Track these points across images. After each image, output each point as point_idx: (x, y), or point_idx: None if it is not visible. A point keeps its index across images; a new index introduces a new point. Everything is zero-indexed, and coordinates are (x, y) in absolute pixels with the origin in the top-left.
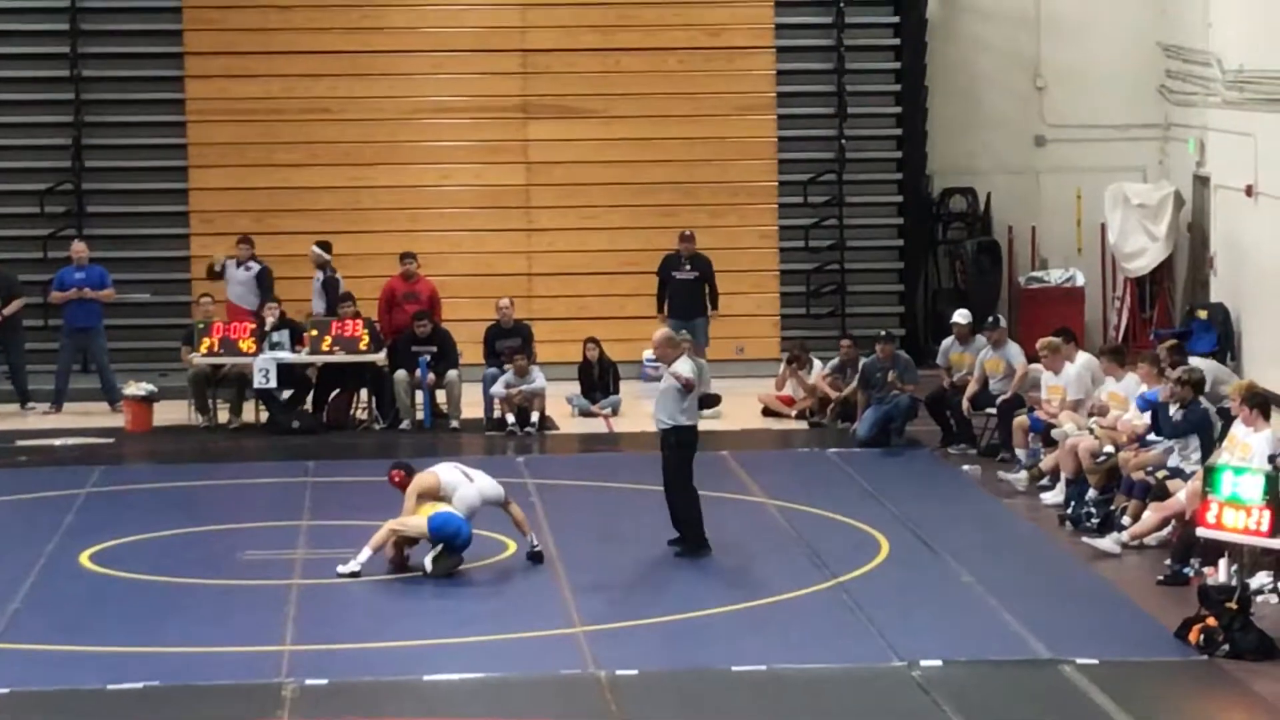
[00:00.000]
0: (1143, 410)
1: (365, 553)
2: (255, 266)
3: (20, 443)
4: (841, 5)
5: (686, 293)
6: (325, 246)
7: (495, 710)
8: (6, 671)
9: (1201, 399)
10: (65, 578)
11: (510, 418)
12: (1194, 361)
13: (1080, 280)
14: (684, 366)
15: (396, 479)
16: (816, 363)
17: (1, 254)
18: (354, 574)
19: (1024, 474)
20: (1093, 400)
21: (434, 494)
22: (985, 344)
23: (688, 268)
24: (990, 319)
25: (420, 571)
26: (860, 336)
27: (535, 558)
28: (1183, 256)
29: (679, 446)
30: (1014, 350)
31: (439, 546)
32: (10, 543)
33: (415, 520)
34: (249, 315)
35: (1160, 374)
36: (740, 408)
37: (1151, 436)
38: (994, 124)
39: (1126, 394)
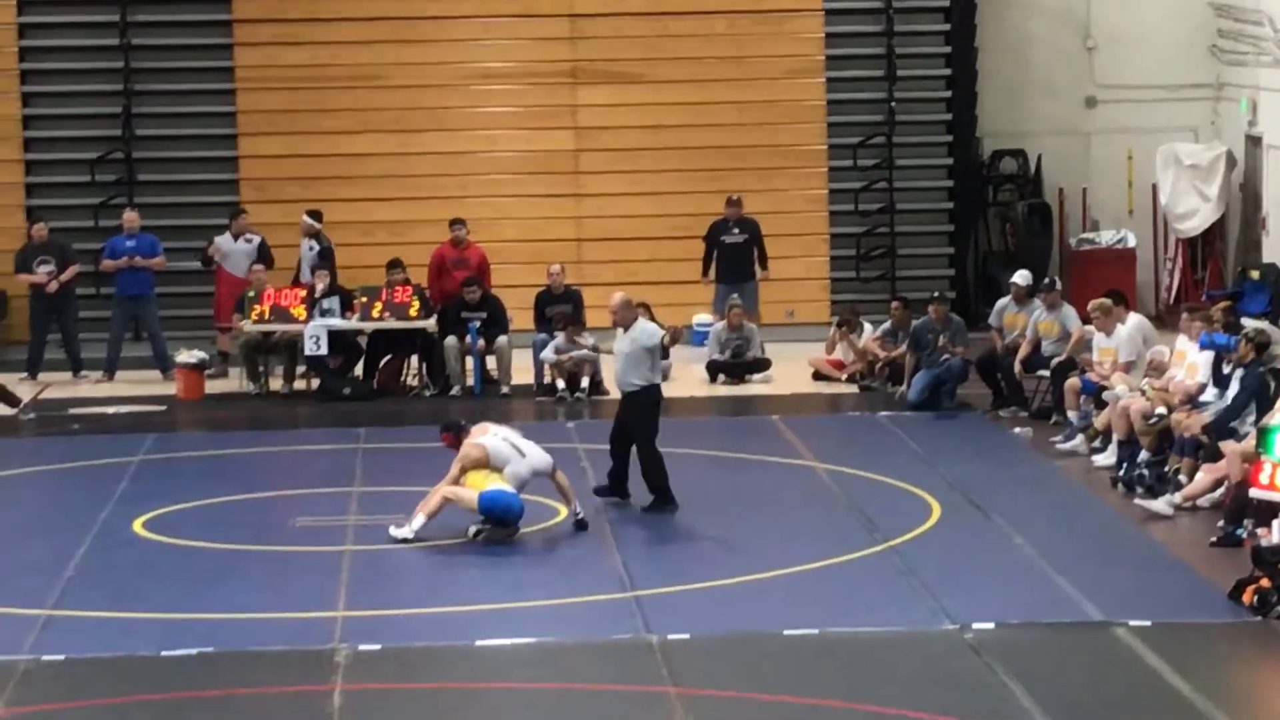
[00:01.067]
0: (1204, 348)
1: (419, 519)
2: (255, 238)
3: (73, 411)
4: None
5: (735, 256)
6: (316, 215)
7: (548, 675)
8: (62, 639)
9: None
10: (118, 545)
11: (560, 383)
12: (1246, 323)
13: (1131, 242)
14: (652, 328)
15: (448, 441)
16: (867, 326)
17: (54, 222)
18: (406, 540)
19: (1081, 438)
20: (1150, 358)
21: (482, 464)
22: (1039, 305)
23: (736, 231)
24: (1046, 280)
25: (465, 537)
26: (910, 300)
27: (580, 525)
28: (1235, 217)
29: (652, 405)
30: (1069, 313)
31: (485, 523)
32: (64, 510)
33: (467, 494)
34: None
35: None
36: (790, 372)
37: (1205, 397)
38: (1044, 85)
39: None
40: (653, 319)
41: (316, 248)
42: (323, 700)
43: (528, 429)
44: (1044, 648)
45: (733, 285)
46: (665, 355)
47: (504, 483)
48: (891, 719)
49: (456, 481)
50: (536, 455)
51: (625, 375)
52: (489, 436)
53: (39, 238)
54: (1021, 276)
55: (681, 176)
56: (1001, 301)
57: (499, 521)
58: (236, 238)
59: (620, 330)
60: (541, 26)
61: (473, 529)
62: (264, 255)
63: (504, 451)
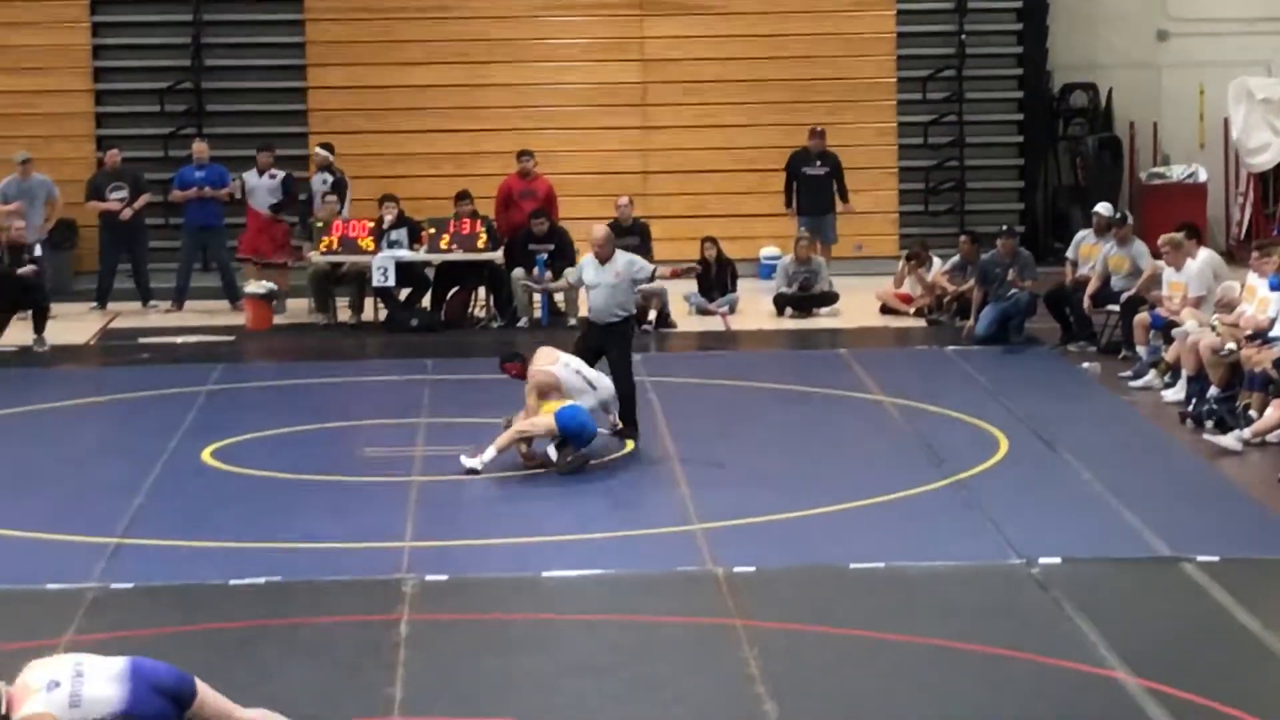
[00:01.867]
0: (1274, 289)
1: (490, 452)
2: (279, 174)
3: (142, 340)
4: None
5: (816, 189)
6: (329, 147)
7: (613, 607)
8: (131, 566)
9: None
10: (187, 474)
11: None
12: None
13: (1202, 176)
14: (640, 260)
15: (514, 371)
16: (935, 260)
17: (123, 152)
18: (474, 471)
19: (1151, 373)
20: (1220, 295)
21: (557, 391)
22: (1112, 239)
23: (818, 164)
24: (1118, 215)
25: (542, 467)
26: (978, 234)
27: (619, 433)
28: None
29: (630, 335)
30: (1140, 249)
31: (562, 445)
32: (133, 439)
33: (543, 419)
34: (271, 223)
35: None
36: (858, 305)
37: (1275, 332)
38: (1116, 18)
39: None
40: (720, 253)
41: (330, 180)
42: (389, 630)
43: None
44: (1111, 583)
45: (812, 217)
46: (733, 288)
47: (579, 404)
48: (957, 653)
49: (535, 412)
50: (604, 385)
51: (609, 307)
52: (559, 366)
53: (112, 165)
54: (1104, 207)
55: (749, 109)
56: (1080, 233)
57: (575, 440)
58: (261, 174)
59: (596, 263)
60: None
61: (551, 450)
62: (287, 192)
63: (576, 384)
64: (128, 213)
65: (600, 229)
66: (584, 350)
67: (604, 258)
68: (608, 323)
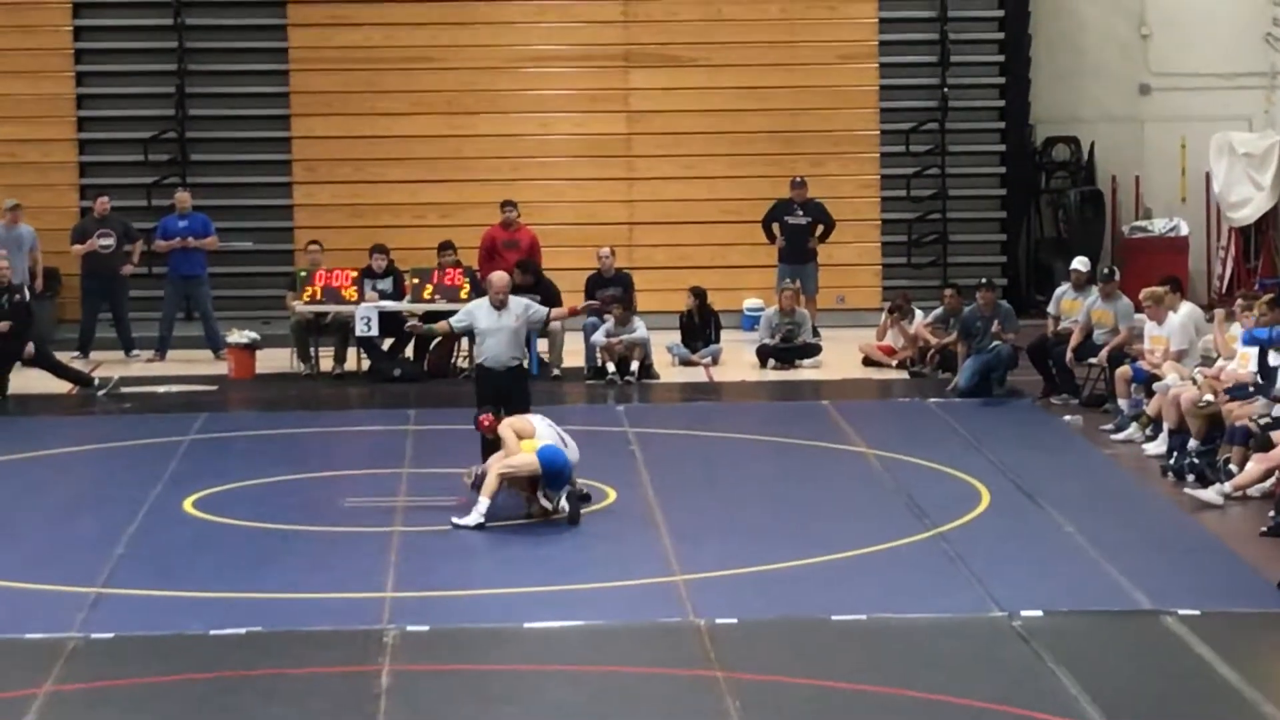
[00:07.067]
0: (1246, 344)
1: (484, 503)
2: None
3: (124, 389)
4: None
5: (797, 238)
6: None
7: (595, 658)
8: (111, 616)
9: None
10: (169, 524)
11: (611, 366)
12: None
13: (1184, 230)
14: (536, 305)
15: (487, 423)
16: (918, 312)
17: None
18: (480, 525)
19: (1133, 426)
20: (1200, 349)
21: (532, 435)
22: (1095, 293)
23: (799, 213)
24: (1105, 270)
25: (555, 512)
26: (962, 286)
27: (581, 499)
28: None
29: (526, 378)
30: (1125, 305)
31: (563, 487)
32: (115, 488)
33: (524, 459)
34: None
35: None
36: (841, 357)
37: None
38: (1098, 72)
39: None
40: (704, 304)
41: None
42: (371, 680)
43: (579, 412)
44: (1092, 636)
45: (793, 266)
46: (716, 339)
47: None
48: (939, 706)
49: (515, 449)
50: (573, 450)
51: (509, 351)
52: (538, 419)
53: (101, 212)
54: (1080, 262)
55: (734, 161)
56: (1061, 288)
57: (555, 480)
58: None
59: (490, 308)
60: (594, 10)
61: (564, 502)
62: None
63: (551, 437)
64: (128, 268)
65: (500, 275)
66: (485, 400)
67: (501, 304)
68: (508, 367)
